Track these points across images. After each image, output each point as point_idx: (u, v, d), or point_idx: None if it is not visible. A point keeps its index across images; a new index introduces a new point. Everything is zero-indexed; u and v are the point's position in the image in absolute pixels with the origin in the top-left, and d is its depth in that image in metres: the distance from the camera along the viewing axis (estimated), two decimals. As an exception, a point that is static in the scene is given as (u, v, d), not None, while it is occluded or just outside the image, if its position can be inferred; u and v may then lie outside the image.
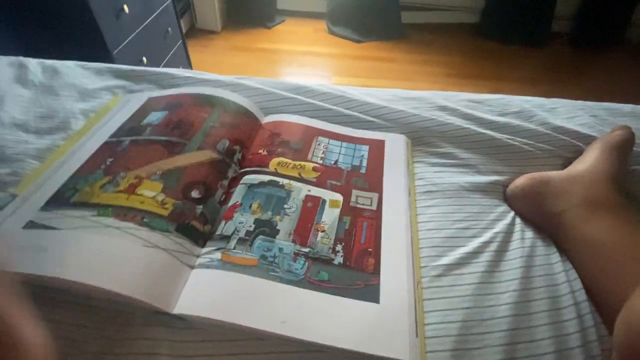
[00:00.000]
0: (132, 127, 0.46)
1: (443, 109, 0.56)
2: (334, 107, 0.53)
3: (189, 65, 1.54)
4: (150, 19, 1.19)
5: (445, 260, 0.37)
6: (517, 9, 2.04)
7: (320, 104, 0.54)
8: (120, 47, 1.04)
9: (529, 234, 0.41)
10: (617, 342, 0.26)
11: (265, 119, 0.52)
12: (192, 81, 0.57)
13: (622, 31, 2.13)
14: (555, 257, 0.39)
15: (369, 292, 0.33)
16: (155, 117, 0.47)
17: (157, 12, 1.24)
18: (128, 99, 0.53)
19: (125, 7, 1.03)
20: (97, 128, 0.47)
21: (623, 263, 0.34)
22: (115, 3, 1.00)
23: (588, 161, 0.45)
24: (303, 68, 1.90)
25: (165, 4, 1.29)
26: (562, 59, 2.04)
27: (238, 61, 1.88)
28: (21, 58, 0.60)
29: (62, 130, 0.48)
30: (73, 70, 0.59)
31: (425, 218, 0.41)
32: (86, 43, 0.96)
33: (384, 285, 0.33)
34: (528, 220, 0.43)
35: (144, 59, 1.17)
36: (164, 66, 1.31)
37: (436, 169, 0.47)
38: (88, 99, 0.54)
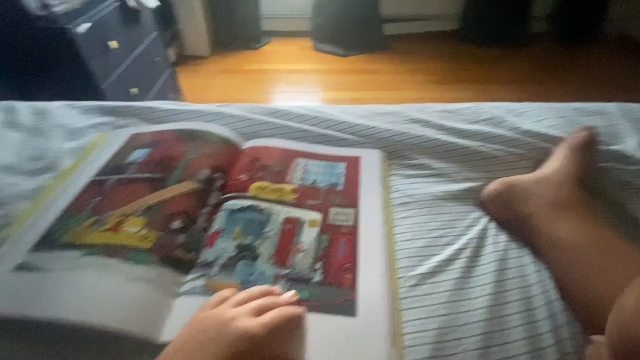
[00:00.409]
0: (116, 165, 0.48)
1: (416, 121, 0.58)
2: (311, 128, 0.56)
3: (179, 92, 1.58)
4: (138, 51, 1.24)
5: (421, 270, 0.39)
6: (495, 12, 2.10)
7: (298, 125, 0.56)
8: (110, 81, 1.08)
9: (503, 237, 0.43)
10: (611, 343, 0.25)
11: (246, 145, 0.54)
12: (175, 113, 0.59)
13: (600, 27, 2.19)
14: (528, 258, 0.40)
15: (347, 307, 0.34)
16: (138, 155, 0.49)
17: (145, 44, 1.29)
18: (115, 135, 0.55)
19: (113, 43, 1.07)
20: (85, 166, 0.49)
21: (589, 260, 0.36)
22: (102, 40, 1.04)
23: (555, 163, 0.47)
24: (292, 86, 1.94)
25: (152, 36, 1.33)
26: (542, 58, 2.09)
27: (228, 84, 1.93)
28: (12, 103, 0.62)
29: (52, 170, 0.50)
30: (61, 111, 0.61)
31: (402, 229, 0.43)
32: (76, 81, 0.99)
33: (361, 300, 0.35)
34: (501, 224, 0.44)
35: (134, 90, 1.21)
36: (155, 95, 1.35)
37: (411, 181, 0.49)
38: (76, 137, 0.56)
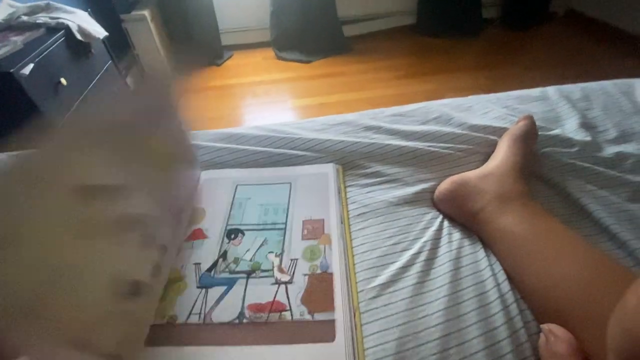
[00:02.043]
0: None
1: (369, 128, 0.59)
2: (266, 149, 0.56)
3: (142, 118, 1.54)
4: (92, 84, 1.21)
5: (379, 280, 0.39)
6: (447, 3, 2.17)
7: (253, 148, 0.56)
8: (67, 117, 1.04)
9: (457, 235, 0.44)
10: (614, 346, 0.24)
11: (202, 176, 0.53)
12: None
13: (547, 6, 2.29)
14: (481, 253, 0.41)
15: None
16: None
17: (99, 75, 1.25)
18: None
19: (63, 80, 1.04)
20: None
21: (532, 248, 0.37)
22: (51, 78, 1.01)
23: (498, 156, 0.49)
24: (259, 98, 1.94)
25: (106, 65, 1.30)
26: (497, 42, 2.17)
27: (192, 103, 1.90)
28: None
29: None
30: (4, 163, 0.59)
31: (359, 241, 0.44)
32: (27, 123, 0.96)
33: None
34: (455, 222, 0.46)
35: (93, 124, 1.17)
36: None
37: (367, 190, 0.50)
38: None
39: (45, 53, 0.99)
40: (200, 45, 2.11)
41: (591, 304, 0.31)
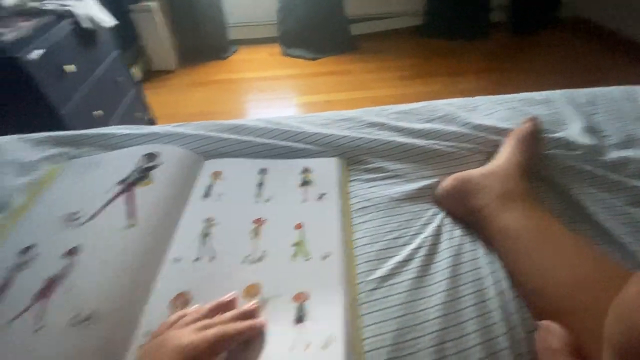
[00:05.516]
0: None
1: (373, 125, 0.60)
2: (270, 141, 0.56)
3: (146, 109, 1.55)
4: (98, 73, 1.21)
5: (379, 273, 0.40)
6: (455, 6, 2.16)
7: (257, 140, 0.56)
8: (69, 105, 1.05)
9: (458, 232, 0.44)
10: (612, 341, 0.24)
11: (205, 164, 0.54)
12: (130, 137, 0.58)
13: (554, 12, 2.29)
14: (481, 251, 0.42)
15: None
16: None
17: (104, 63, 1.26)
18: (65, 167, 0.54)
19: (69, 67, 1.04)
20: (36, 202, 0.48)
21: (533, 247, 0.38)
22: (57, 64, 1.01)
23: (503, 156, 0.49)
24: (264, 93, 1.94)
25: (112, 55, 1.31)
26: (504, 46, 2.17)
27: (198, 96, 1.90)
28: (-42, 141, 0.60)
29: (3, 209, 0.49)
30: (12, 145, 0.59)
31: (360, 234, 0.44)
32: (32, 109, 0.96)
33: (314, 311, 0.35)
34: (456, 219, 0.46)
35: (99, 112, 1.18)
36: (121, 115, 1.32)
37: (369, 185, 0.50)
38: (28, 172, 0.54)
39: (53, 40, 1.00)
40: (206, 39, 2.11)
41: (590, 303, 0.31)
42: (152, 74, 2.05)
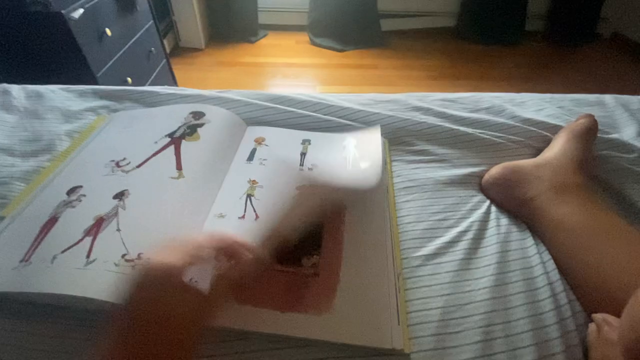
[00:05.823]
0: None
1: (417, 109, 0.58)
2: (313, 114, 0.55)
3: (174, 82, 1.56)
4: (133, 40, 1.22)
5: (424, 251, 0.39)
6: (491, 10, 2.12)
7: (300, 111, 0.56)
8: (104, 69, 1.06)
9: (504, 220, 0.43)
10: (625, 340, 0.24)
11: (247, 130, 0.53)
12: (175, 97, 0.58)
13: (593, 26, 2.22)
14: (530, 240, 0.40)
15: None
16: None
17: (140, 33, 1.26)
18: (112, 118, 0.54)
19: (108, 31, 1.05)
20: (81, 148, 0.48)
21: (589, 241, 0.36)
22: (97, 27, 1.02)
23: (555, 149, 0.47)
24: (287, 79, 1.93)
25: (147, 25, 1.31)
26: (537, 56, 2.12)
27: (223, 76, 1.91)
28: (4, 85, 0.61)
29: (48, 152, 0.49)
30: (56, 94, 0.60)
31: (405, 212, 0.43)
32: (70, 67, 0.97)
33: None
34: (503, 208, 0.45)
35: (129, 79, 1.19)
36: (149, 85, 1.32)
37: (413, 166, 0.49)
38: (72, 120, 0.55)
39: (94, 1, 1.00)
40: (236, 21, 2.10)
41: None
42: (180, 50, 2.06)
